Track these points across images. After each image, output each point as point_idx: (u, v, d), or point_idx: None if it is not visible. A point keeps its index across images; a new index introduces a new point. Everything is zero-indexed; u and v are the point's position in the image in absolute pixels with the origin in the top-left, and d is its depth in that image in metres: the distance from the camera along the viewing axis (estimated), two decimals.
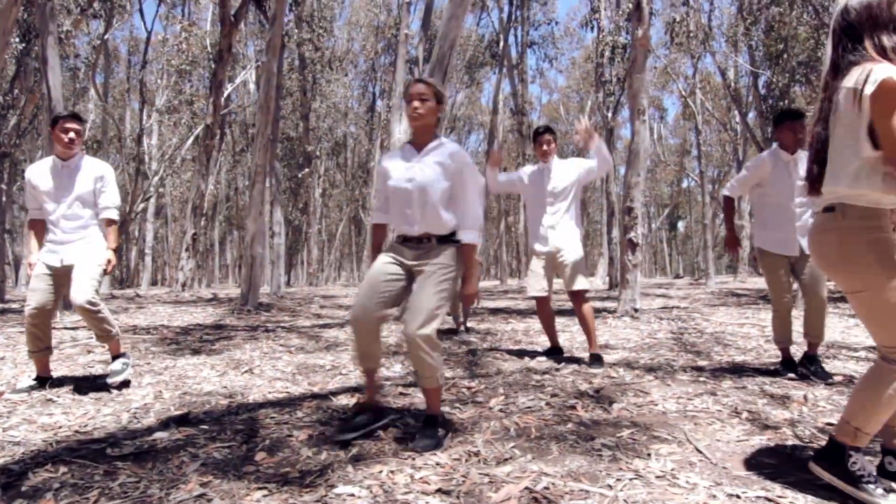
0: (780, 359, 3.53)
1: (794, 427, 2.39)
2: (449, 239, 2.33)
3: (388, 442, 2.20)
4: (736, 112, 15.68)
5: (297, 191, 20.63)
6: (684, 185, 37.37)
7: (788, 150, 3.39)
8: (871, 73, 1.55)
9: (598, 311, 7.02)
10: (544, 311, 3.98)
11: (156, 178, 16.23)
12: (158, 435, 2.30)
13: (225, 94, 16.45)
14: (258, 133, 7.87)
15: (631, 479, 1.80)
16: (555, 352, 4.11)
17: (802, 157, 3.35)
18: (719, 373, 3.46)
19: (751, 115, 16.85)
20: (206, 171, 11.91)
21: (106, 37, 13.28)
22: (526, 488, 1.71)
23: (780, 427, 2.38)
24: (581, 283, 3.74)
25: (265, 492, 1.73)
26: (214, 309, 7.75)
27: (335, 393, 3.01)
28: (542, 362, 3.83)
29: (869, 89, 1.54)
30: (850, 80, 1.60)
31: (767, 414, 2.59)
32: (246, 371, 3.61)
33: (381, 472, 1.85)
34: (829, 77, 1.72)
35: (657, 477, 1.82)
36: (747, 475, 1.86)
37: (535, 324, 6.01)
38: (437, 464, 1.93)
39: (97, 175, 3.17)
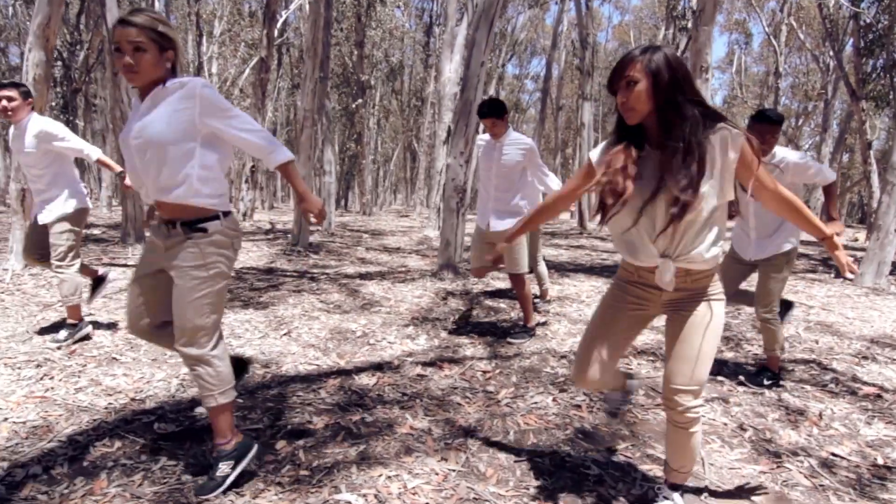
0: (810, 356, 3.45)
1: (796, 456, 2.40)
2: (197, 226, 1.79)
3: (398, 438, 2.41)
4: (829, 46, 13.98)
5: (352, 118, 20.64)
6: None
7: None
8: None
9: None
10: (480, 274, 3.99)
11: None
12: (199, 410, 2.61)
13: (282, 19, 16.31)
14: (305, 77, 7.88)
15: None
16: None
17: (783, 159, 2.90)
18: (742, 371, 3.42)
19: (848, 48, 15.00)
20: (262, 104, 12.11)
21: None
22: None
23: (781, 454, 2.40)
24: (518, 267, 3.78)
25: (279, 487, 1.98)
26: (269, 247, 8.22)
27: (360, 369, 3.25)
28: (564, 342, 3.91)
29: None
30: None
31: (774, 434, 2.60)
32: (285, 334, 3.92)
33: (380, 476, 2.06)
34: None
35: None
36: None
37: (582, 285, 6.00)
38: (433, 471, 2.12)
39: (41, 132, 3.21)
